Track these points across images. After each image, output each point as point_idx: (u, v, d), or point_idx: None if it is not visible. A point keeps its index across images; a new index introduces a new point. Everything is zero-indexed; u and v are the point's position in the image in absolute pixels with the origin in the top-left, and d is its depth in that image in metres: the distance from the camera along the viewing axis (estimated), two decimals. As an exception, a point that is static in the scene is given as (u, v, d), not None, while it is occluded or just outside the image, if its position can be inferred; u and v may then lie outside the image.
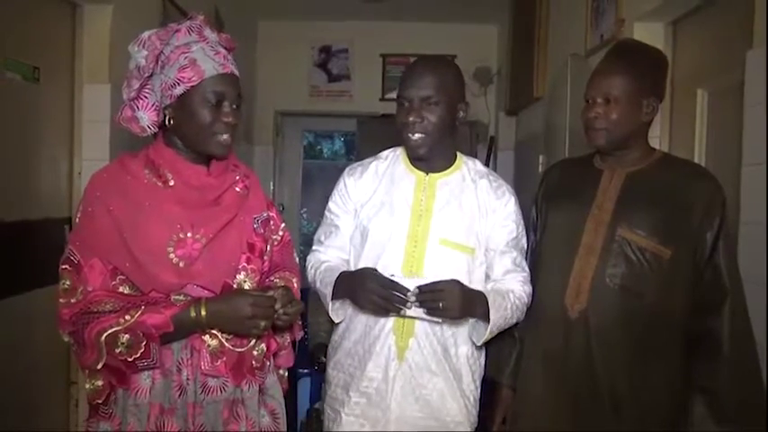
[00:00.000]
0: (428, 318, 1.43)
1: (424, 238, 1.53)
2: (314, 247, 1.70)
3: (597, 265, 1.45)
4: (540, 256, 1.60)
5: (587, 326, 1.45)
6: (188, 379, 1.25)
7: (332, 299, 1.53)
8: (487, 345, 1.57)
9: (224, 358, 1.27)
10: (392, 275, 1.44)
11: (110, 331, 1.16)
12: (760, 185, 1.49)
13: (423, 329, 1.51)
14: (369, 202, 1.59)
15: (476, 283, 1.52)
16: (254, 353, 1.32)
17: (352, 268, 1.57)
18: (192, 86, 1.24)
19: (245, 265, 1.32)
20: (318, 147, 6.30)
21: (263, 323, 1.24)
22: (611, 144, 1.48)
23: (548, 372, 1.53)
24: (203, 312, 1.20)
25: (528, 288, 1.57)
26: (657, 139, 2.08)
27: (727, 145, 1.78)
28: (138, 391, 1.23)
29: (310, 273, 1.65)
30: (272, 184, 4.68)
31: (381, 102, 4.50)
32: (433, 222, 1.53)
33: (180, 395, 1.24)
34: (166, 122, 1.28)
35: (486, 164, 3.14)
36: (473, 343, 1.55)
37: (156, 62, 1.26)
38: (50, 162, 2.21)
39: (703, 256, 1.41)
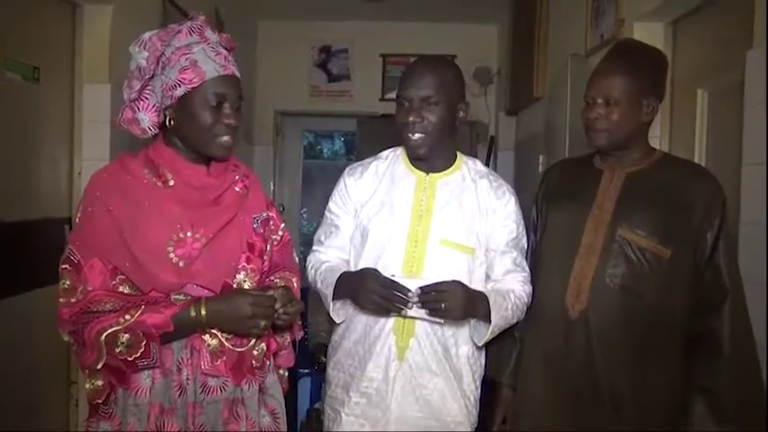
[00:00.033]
0: (429, 318, 1.43)
1: (424, 239, 1.53)
2: (314, 248, 1.70)
3: (597, 265, 1.45)
4: (541, 257, 1.60)
5: (588, 326, 1.45)
6: (188, 378, 1.24)
7: (333, 299, 1.53)
8: (488, 345, 1.57)
9: (224, 358, 1.27)
10: (393, 275, 1.44)
11: (110, 331, 1.16)
12: (760, 185, 1.49)
13: (423, 329, 1.51)
14: (369, 202, 1.59)
15: (476, 283, 1.52)
16: (254, 352, 1.32)
17: (353, 268, 1.57)
18: (193, 88, 1.24)
19: (245, 264, 1.32)
20: (318, 147, 6.31)
21: (262, 323, 1.24)
22: (611, 145, 1.48)
23: (548, 372, 1.53)
24: (203, 312, 1.20)
25: (528, 288, 1.57)
26: (657, 139, 2.08)
27: (727, 145, 1.78)
28: (138, 390, 1.23)
29: (311, 273, 1.65)
30: (272, 184, 4.68)
31: (381, 102, 4.50)
32: (434, 222, 1.53)
33: (180, 395, 1.24)
34: (167, 123, 1.28)
35: (487, 164, 3.14)
36: (473, 343, 1.55)
37: (156, 63, 1.26)
38: (50, 162, 2.21)
39: (703, 256, 1.41)
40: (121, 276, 1.22)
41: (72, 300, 1.20)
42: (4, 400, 1.95)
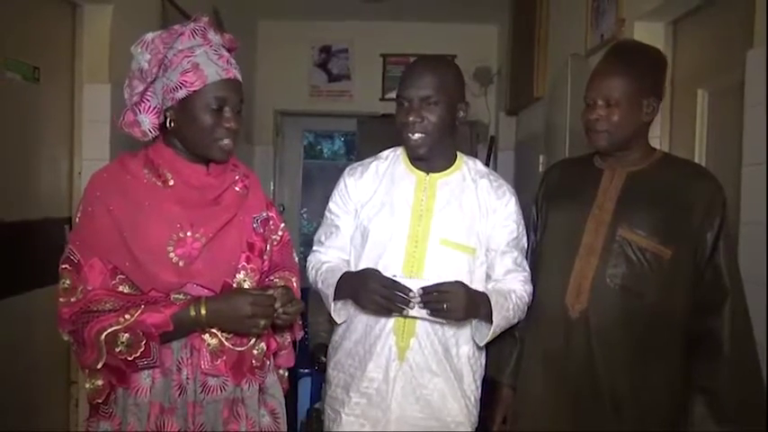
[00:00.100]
0: (431, 318, 1.43)
1: (424, 239, 1.53)
2: (314, 248, 1.70)
3: (598, 265, 1.45)
4: (541, 256, 1.60)
5: (588, 326, 1.44)
6: (188, 378, 1.25)
7: (334, 299, 1.53)
8: (488, 345, 1.56)
9: (224, 357, 1.27)
10: (394, 276, 1.44)
11: (109, 330, 1.16)
12: (760, 185, 1.49)
13: (424, 329, 1.51)
14: (369, 202, 1.59)
15: (477, 283, 1.52)
16: (254, 352, 1.33)
17: (353, 269, 1.57)
18: (195, 91, 1.24)
19: (245, 264, 1.33)
20: (318, 147, 6.30)
21: (262, 322, 1.24)
22: (613, 146, 1.48)
23: (548, 372, 1.53)
24: (203, 311, 1.20)
25: (529, 287, 1.57)
26: (657, 139, 2.08)
27: (727, 145, 1.78)
28: (138, 390, 1.23)
29: (311, 273, 1.65)
30: (272, 184, 4.68)
31: (381, 102, 4.50)
32: (434, 222, 1.53)
33: (180, 394, 1.24)
34: (167, 124, 1.28)
35: (487, 164, 3.13)
36: (474, 343, 1.55)
37: (158, 67, 1.26)
38: (50, 162, 2.21)
39: (704, 256, 1.41)
40: (121, 276, 1.22)
41: (72, 299, 1.20)
42: (4, 400, 1.95)
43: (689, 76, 2.04)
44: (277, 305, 1.26)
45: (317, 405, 2.40)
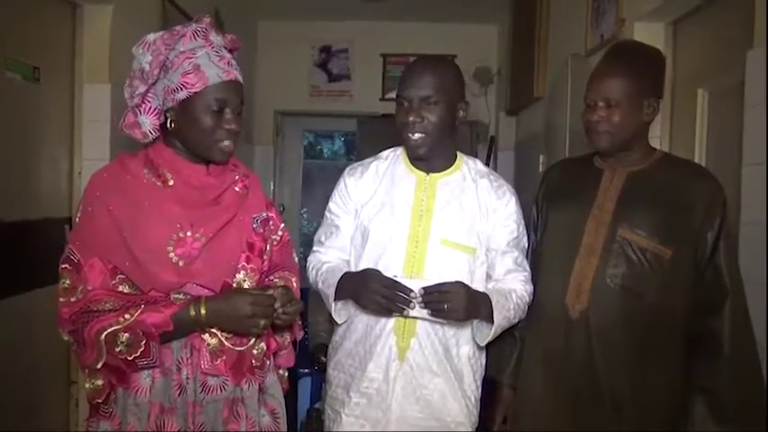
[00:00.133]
0: (432, 319, 1.43)
1: (425, 239, 1.53)
2: (314, 248, 1.69)
3: (598, 265, 1.45)
4: (541, 256, 1.60)
5: (588, 326, 1.45)
6: (188, 378, 1.25)
7: (335, 299, 1.53)
8: (488, 344, 1.56)
9: (224, 357, 1.27)
10: (395, 276, 1.44)
11: (109, 330, 1.16)
12: (760, 185, 1.49)
13: (424, 329, 1.51)
14: (369, 202, 1.59)
15: (477, 283, 1.52)
16: (254, 352, 1.33)
17: (353, 269, 1.57)
18: (195, 93, 1.24)
19: (245, 264, 1.32)
20: (318, 147, 6.30)
21: (262, 322, 1.24)
22: (613, 147, 1.48)
23: (548, 371, 1.53)
24: (203, 311, 1.20)
25: (529, 287, 1.57)
26: (657, 139, 2.08)
27: (727, 145, 1.78)
28: (138, 390, 1.23)
29: (311, 273, 1.65)
30: (272, 184, 4.68)
31: (381, 102, 4.50)
32: (434, 222, 1.53)
33: (180, 394, 1.24)
34: (168, 125, 1.28)
35: (487, 164, 3.12)
36: (474, 343, 1.55)
37: (160, 68, 1.26)
38: (50, 162, 2.21)
39: (704, 256, 1.41)
40: (121, 276, 1.22)
41: (72, 299, 1.20)
42: (4, 400, 1.95)
43: (689, 76, 2.05)
44: (277, 305, 1.26)
45: (317, 405, 2.40)
